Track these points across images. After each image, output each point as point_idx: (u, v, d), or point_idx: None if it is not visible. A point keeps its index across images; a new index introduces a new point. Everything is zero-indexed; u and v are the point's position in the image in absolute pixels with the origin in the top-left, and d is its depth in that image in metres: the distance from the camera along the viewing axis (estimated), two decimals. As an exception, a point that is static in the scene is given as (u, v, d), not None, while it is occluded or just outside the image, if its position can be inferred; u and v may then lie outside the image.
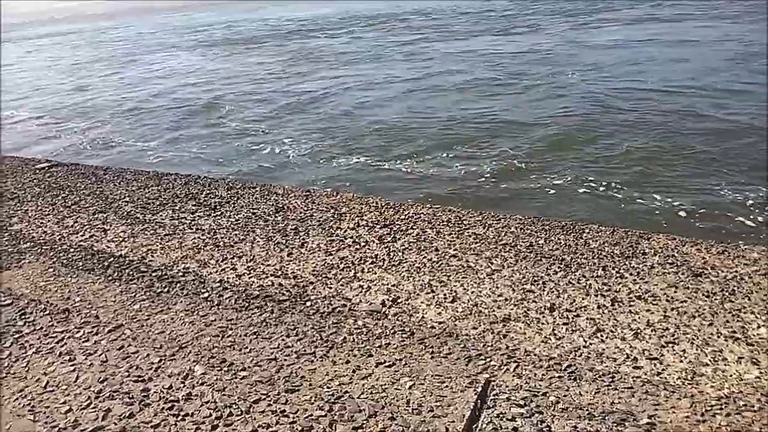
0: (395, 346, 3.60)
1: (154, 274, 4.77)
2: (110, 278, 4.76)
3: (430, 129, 9.98)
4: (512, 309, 3.95)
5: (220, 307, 4.19)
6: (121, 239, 5.57)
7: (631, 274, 4.29)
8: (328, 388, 3.25)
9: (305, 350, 3.60)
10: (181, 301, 4.30)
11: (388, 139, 9.63)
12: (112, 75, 17.92)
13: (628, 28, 18.23)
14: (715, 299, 3.88)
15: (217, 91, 14.66)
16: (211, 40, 26.65)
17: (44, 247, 5.50)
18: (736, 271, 4.23)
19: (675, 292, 4.01)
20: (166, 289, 4.50)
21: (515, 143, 8.70)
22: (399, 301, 4.14)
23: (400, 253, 4.89)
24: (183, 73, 17.89)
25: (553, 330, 3.68)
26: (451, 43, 19.13)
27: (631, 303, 3.92)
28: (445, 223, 5.52)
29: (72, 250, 5.39)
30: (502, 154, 8.24)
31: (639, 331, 3.60)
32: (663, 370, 3.24)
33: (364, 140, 9.73)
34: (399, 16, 28.61)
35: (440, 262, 4.68)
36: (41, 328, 4.08)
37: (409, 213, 5.82)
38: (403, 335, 3.71)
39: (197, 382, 3.37)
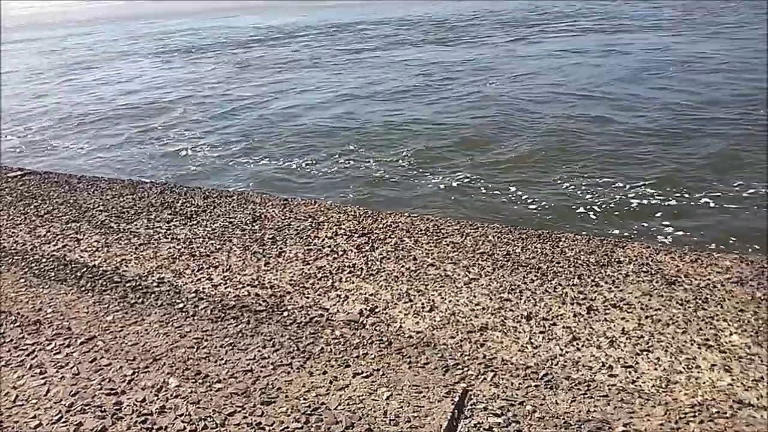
0: (373, 356, 3.59)
1: (128, 284, 4.70)
2: (83, 289, 4.68)
3: (344, 132, 10.14)
4: (489, 318, 3.96)
5: (196, 317, 4.14)
6: (94, 249, 5.48)
7: (606, 282, 4.33)
8: (304, 399, 3.23)
9: (282, 361, 3.57)
10: (156, 312, 4.24)
11: (305, 142, 9.76)
12: (66, 81, 17.76)
13: (565, 40, 18.68)
14: (689, 307, 3.92)
15: (160, 97, 14.68)
16: (171, 47, 26.54)
17: (15, 257, 5.39)
18: (709, 279, 4.29)
19: (649, 300, 4.05)
20: (140, 300, 4.44)
21: (414, 146, 8.86)
22: (377, 310, 4.13)
23: (378, 263, 4.89)
24: (133, 80, 17.82)
25: (530, 339, 3.70)
26: (395, 52, 19.43)
27: (607, 311, 3.95)
28: (423, 231, 5.52)
29: (44, 260, 5.30)
30: (401, 156, 8.37)
31: (614, 339, 3.63)
32: (638, 378, 3.26)
33: (284, 143, 9.82)
34: (355, 26, 28.91)
35: (418, 271, 4.68)
36: (11, 340, 3.99)
37: (387, 222, 5.82)
38: (381, 345, 3.70)
39: (171, 395, 3.32)
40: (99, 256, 5.30)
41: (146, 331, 4.00)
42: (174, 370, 3.53)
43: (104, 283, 4.75)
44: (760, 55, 14.01)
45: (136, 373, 3.53)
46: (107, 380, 3.49)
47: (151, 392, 3.35)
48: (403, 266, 4.78)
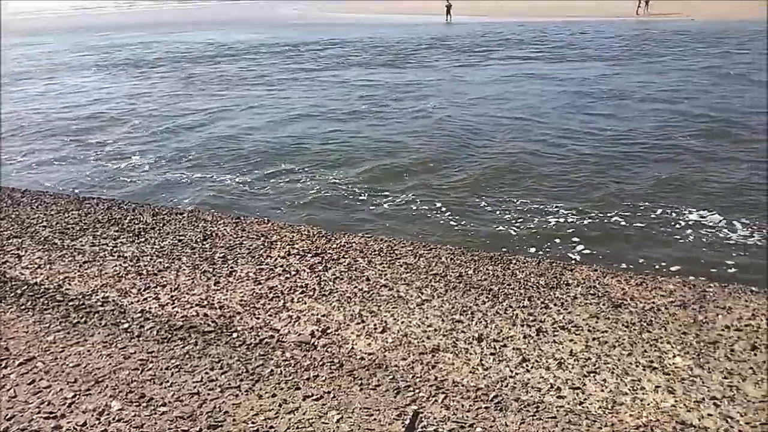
0: (324, 378, 3.55)
1: (70, 303, 4.54)
2: (23, 307, 4.50)
3: (286, 151, 10.09)
4: (441, 339, 3.97)
5: (141, 338, 4.02)
6: (36, 266, 5.29)
7: (555, 305, 4.40)
8: (252, 423, 3.16)
9: (230, 384, 3.49)
10: (99, 333, 4.10)
11: (247, 160, 9.65)
12: (6, 94, 17.07)
13: (511, 66, 19.28)
14: (634, 329, 4.02)
15: (102, 112, 14.28)
16: (119, 60, 25.95)
17: (-50, 274, 5.15)
18: (654, 302, 4.41)
19: (596, 322, 4.13)
20: (83, 320, 4.29)
21: (355, 168, 8.92)
22: (329, 331, 4.09)
23: (331, 283, 4.85)
24: (77, 93, 17.31)
25: (481, 360, 3.72)
26: (346, 73, 19.64)
27: (555, 333, 4.01)
28: (377, 252, 5.52)
29: (-19, 277, 5.08)
30: (341, 177, 8.44)
31: (562, 360, 3.69)
32: (585, 399, 3.31)
33: (226, 161, 9.69)
34: (308, 46, 29.10)
35: (371, 292, 4.67)
36: (-58, 361, 3.80)
37: (341, 242, 5.80)
38: (332, 367, 3.66)
39: (114, 419, 3.21)
40: (41, 274, 5.11)
41: (89, 351, 3.86)
42: (117, 393, 3.42)
43: (46, 301, 4.58)
44: (688, 85, 14.74)
45: (77, 396, 3.40)
46: (46, 403, 3.34)
47: (92, 416, 3.23)
48: (356, 287, 4.76)
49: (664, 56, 20.88)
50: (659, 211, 7.03)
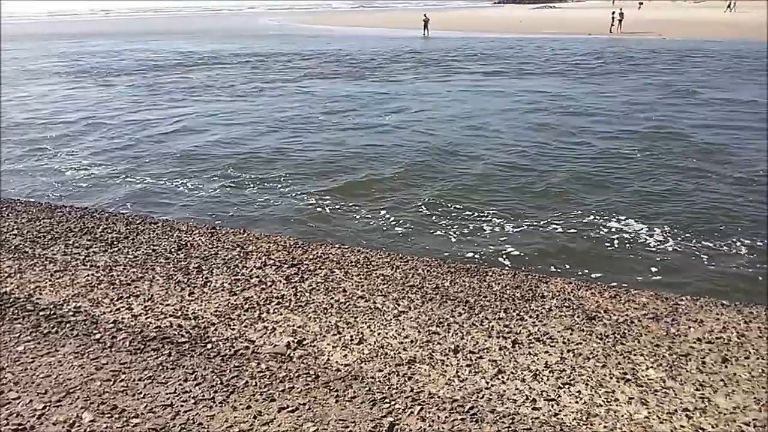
0: (299, 389, 3.52)
1: (41, 313, 4.45)
2: (-9, 317, 4.40)
3: (249, 162, 10.08)
4: (418, 351, 3.97)
5: (113, 349, 3.95)
6: (6, 275, 5.18)
7: (530, 317, 4.44)
8: (227, 435, 3.12)
9: (204, 395, 3.45)
10: (71, 343, 4.03)
11: (212, 171, 9.59)
12: None
13: (480, 82, 19.59)
14: (608, 341, 4.07)
15: (65, 120, 14.03)
16: (86, 68, 25.63)
17: None
18: (627, 315, 4.47)
19: (571, 334, 4.17)
20: (54, 330, 4.20)
21: (317, 182, 8.95)
22: (304, 343, 4.07)
23: (307, 294, 4.83)
24: (38, 101, 17.00)
25: (457, 372, 3.73)
26: (317, 84, 19.73)
27: (531, 345, 4.04)
28: (354, 263, 5.52)
29: (-52, 286, 4.96)
30: (299, 190, 8.42)
31: (538, 372, 3.71)
32: (560, 411, 3.34)
33: (182, 169, 9.55)
34: (285, 56, 29.17)
35: (347, 303, 4.66)
36: None
37: (317, 253, 5.79)
38: (308, 378, 3.64)
39: (85, 431, 3.14)
40: (11, 283, 5.01)
41: (60, 362, 3.79)
42: (88, 404, 3.35)
43: (15, 311, 4.48)
44: (643, 102, 15.10)
45: (48, 408, 3.33)
46: (15, 415, 3.27)
47: (63, 428, 3.16)
48: (332, 298, 4.75)
49: (627, 73, 21.41)
50: (596, 220, 7.11)
